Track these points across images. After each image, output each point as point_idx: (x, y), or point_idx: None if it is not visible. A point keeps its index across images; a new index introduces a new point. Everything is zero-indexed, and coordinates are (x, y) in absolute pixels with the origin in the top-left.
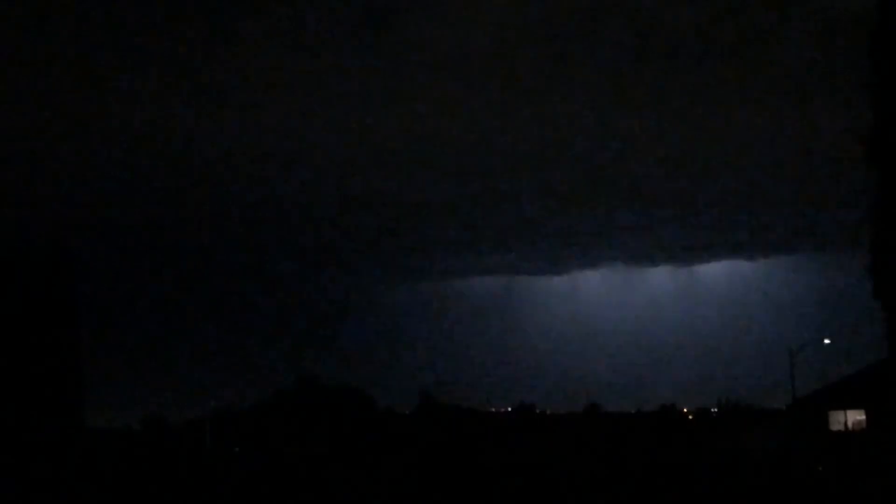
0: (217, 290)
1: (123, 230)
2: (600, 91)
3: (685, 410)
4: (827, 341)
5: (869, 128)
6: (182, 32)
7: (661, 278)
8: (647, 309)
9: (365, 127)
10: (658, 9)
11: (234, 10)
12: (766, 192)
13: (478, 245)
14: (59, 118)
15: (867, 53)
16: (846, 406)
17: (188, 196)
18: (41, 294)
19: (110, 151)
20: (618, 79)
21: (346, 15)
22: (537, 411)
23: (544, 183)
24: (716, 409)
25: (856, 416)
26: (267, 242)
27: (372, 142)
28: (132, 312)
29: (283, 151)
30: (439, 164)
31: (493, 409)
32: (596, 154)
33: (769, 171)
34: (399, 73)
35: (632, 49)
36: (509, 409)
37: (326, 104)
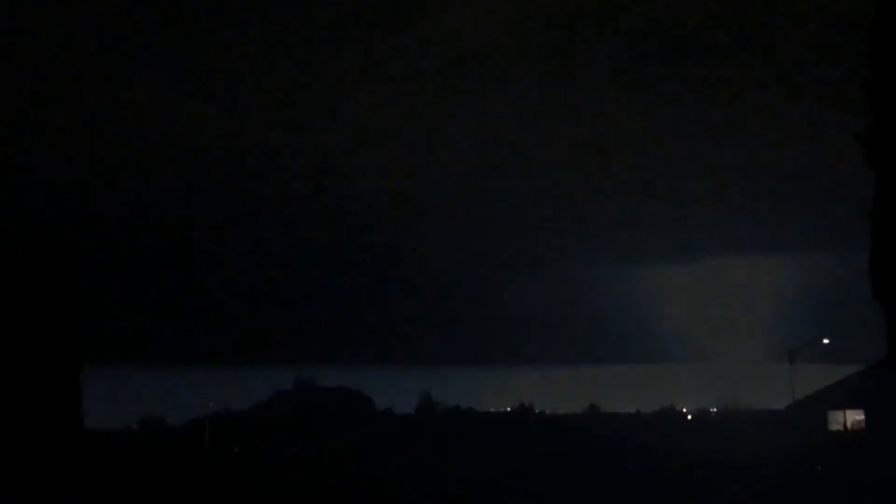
0: (217, 289)
1: (123, 230)
2: None
3: (684, 411)
4: (826, 341)
5: (868, 128)
6: (182, 31)
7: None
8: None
9: None
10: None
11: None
12: (766, 192)
13: None
14: (59, 118)
15: (866, 53)
16: (845, 406)
17: (188, 195)
18: (40, 294)
19: (110, 151)
20: None
21: None
22: (536, 411)
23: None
24: (715, 409)
25: (854, 417)
26: (267, 240)
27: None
28: (131, 313)
29: (274, 148)
30: None
31: (492, 409)
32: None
33: (770, 170)
34: None
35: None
36: (508, 409)
37: None
